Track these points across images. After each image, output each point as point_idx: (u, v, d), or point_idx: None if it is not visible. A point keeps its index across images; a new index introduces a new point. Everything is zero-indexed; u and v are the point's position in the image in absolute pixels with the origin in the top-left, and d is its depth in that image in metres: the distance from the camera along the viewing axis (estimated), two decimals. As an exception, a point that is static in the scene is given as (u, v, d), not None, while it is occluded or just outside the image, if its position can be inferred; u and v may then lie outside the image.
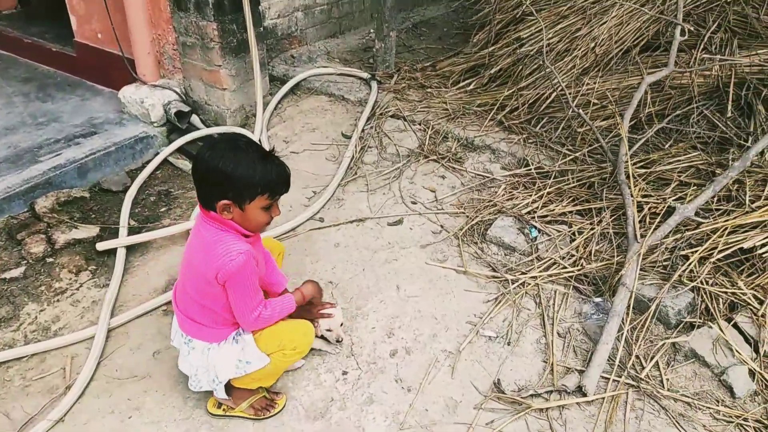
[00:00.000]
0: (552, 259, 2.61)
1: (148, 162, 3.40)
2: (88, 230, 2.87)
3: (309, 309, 2.14)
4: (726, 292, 2.33)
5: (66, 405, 2.06)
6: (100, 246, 2.75)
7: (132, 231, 2.90)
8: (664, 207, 2.58)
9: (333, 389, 2.13)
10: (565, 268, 2.56)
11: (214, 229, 1.71)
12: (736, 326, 2.24)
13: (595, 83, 3.25)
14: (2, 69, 4.15)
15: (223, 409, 2.02)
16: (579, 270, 2.53)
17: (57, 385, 2.18)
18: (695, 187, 2.68)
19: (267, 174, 1.64)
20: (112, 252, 2.75)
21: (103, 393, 2.14)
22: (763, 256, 2.35)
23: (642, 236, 2.46)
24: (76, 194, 3.06)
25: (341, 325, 2.23)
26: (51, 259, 2.69)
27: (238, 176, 1.61)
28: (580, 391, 2.08)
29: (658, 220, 2.54)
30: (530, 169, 3.08)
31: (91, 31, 3.72)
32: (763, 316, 2.23)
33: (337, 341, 2.23)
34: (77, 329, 2.40)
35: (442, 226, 2.85)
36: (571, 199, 2.87)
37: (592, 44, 3.28)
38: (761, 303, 2.27)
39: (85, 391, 2.14)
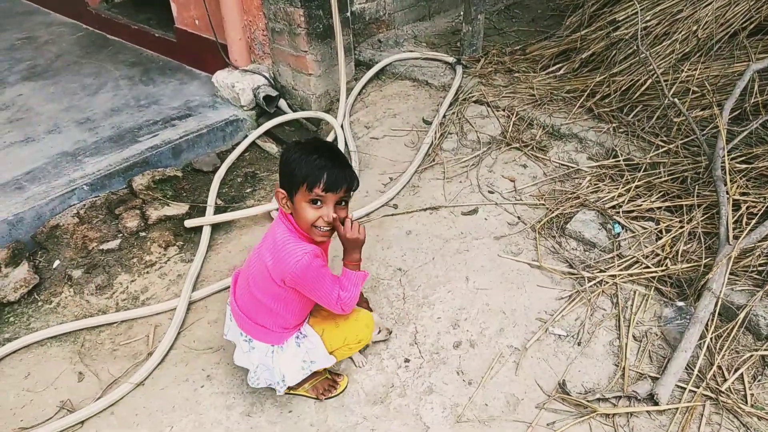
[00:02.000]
0: (634, 257, 2.46)
1: (237, 144, 3.55)
2: (178, 207, 3.05)
3: None
4: (831, 304, 2.11)
5: (147, 370, 2.21)
6: (188, 223, 2.91)
7: (218, 210, 3.04)
8: (763, 207, 2.36)
9: (394, 375, 2.15)
10: (647, 267, 2.41)
11: (284, 229, 1.76)
12: (839, 342, 2.03)
13: (695, 70, 3.01)
14: (113, 54, 4.46)
15: (288, 388, 2.09)
16: (663, 271, 2.38)
17: (141, 351, 2.34)
18: (804, 186, 2.43)
19: (309, 165, 1.66)
20: (198, 229, 2.91)
21: (181, 362, 2.28)
22: None
23: (735, 238, 2.27)
24: (169, 173, 3.24)
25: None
26: (144, 234, 2.88)
27: (288, 164, 1.70)
28: (651, 399, 1.97)
29: (755, 220, 2.33)
30: (619, 161, 2.91)
31: (189, 18, 3.91)
32: None
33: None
34: (162, 300, 2.57)
35: (519, 218, 2.77)
36: (660, 194, 2.69)
37: (695, 27, 3.03)
38: None
39: (165, 358, 2.29)
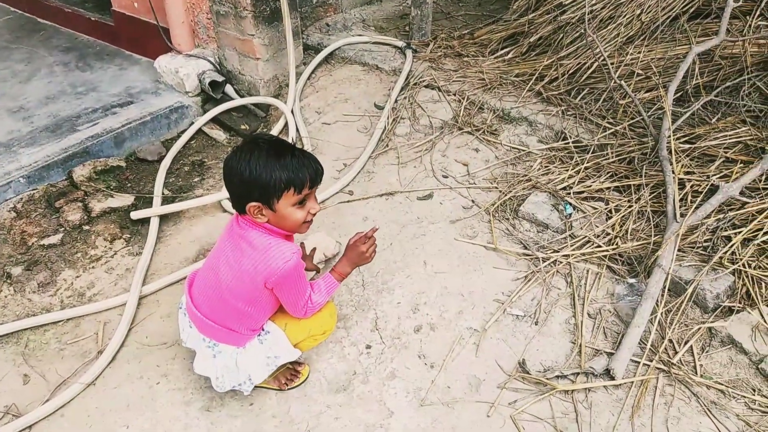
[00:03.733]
0: (586, 237, 2.52)
1: (182, 132, 3.43)
2: (123, 199, 2.93)
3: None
4: (769, 276, 2.21)
5: (97, 369, 2.12)
6: (135, 215, 2.80)
7: (166, 200, 2.94)
8: (707, 185, 2.46)
9: (356, 362, 2.13)
10: (599, 246, 2.47)
11: (262, 234, 1.70)
12: (778, 312, 2.14)
13: (639, 53, 3.09)
14: (45, 39, 4.22)
15: (252, 381, 2.06)
16: (614, 249, 2.44)
17: (90, 350, 2.25)
18: (742, 165, 2.54)
19: (285, 168, 1.60)
20: (145, 221, 2.81)
21: (133, 359, 2.19)
22: (813, 238, 2.22)
23: (682, 215, 2.35)
24: (112, 163, 3.11)
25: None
26: (87, 227, 2.76)
27: (256, 176, 1.59)
28: (608, 374, 2.03)
29: (700, 198, 2.42)
30: (568, 143, 2.97)
31: (127, 0, 3.74)
32: (809, 302, 2.11)
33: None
34: (111, 296, 2.46)
35: (473, 201, 2.79)
36: (609, 174, 2.76)
37: (638, 11, 3.11)
38: (808, 288, 2.15)
39: (116, 356, 2.20)
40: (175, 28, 3.52)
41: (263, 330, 1.88)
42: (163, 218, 2.83)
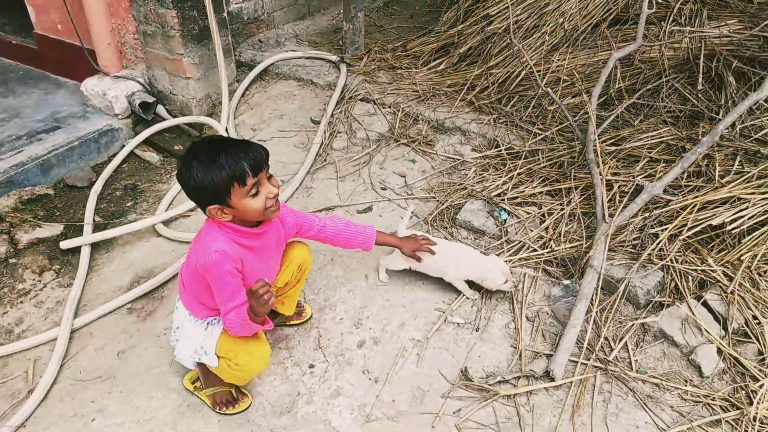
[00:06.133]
0: (521, 242, 2.57)
1: (113, 156, 3.33)
2: (52, 228, 2.82)
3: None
4: (696, 270, 2.31)
5: (28, 410, 2.03)
6: (64, 245, 2.70)
7: (97, 228, 2.85)
8: (633, 185, 2.55)
9: (300, 383, 2.11)
10: (534, 251, 2.53)
11: (208, 225, 1.80)
12: (705, 304, 2.22)
13: (564, 60, 3.20)
14: (-38, 64, 4.04)
15: (195, 387, 2.08)
16: (548, 253, 2.50)
17: (19, 390, 2.14)
18: (665, 164, 2.65)
19: (222, 168, 1.62)
20: (76, 250, 2.71)
21: (66, 396, 2.11)
22: (733, 232, 2.32)
23: (610, 215, 2.43)
24: (39, 192, 3.00)
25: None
26: (14, 260, 2.64)
27: (201, 183, 1.64)
28: (548, 375, 2.07)
29: (626, 198, 2.51)
30: (500, 150, 3.03)
31: (50, 22, 3.62)
32: (732, 293, 2.21)
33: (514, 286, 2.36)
34: (41, 331, 2.36)
35: (412, 212, 2.80)
36: (541, 179, 2.83)
37: (561, 19, 3.22)
38: (730, 280, 2.25)
39: (48, 394, 2.11)
40: (101, 50, 3.43)
41: (217, 320, 1.91)
42: (95, 246, 2.74)
